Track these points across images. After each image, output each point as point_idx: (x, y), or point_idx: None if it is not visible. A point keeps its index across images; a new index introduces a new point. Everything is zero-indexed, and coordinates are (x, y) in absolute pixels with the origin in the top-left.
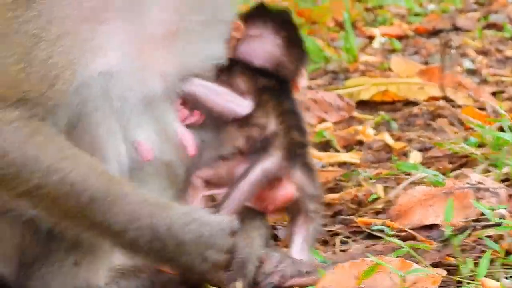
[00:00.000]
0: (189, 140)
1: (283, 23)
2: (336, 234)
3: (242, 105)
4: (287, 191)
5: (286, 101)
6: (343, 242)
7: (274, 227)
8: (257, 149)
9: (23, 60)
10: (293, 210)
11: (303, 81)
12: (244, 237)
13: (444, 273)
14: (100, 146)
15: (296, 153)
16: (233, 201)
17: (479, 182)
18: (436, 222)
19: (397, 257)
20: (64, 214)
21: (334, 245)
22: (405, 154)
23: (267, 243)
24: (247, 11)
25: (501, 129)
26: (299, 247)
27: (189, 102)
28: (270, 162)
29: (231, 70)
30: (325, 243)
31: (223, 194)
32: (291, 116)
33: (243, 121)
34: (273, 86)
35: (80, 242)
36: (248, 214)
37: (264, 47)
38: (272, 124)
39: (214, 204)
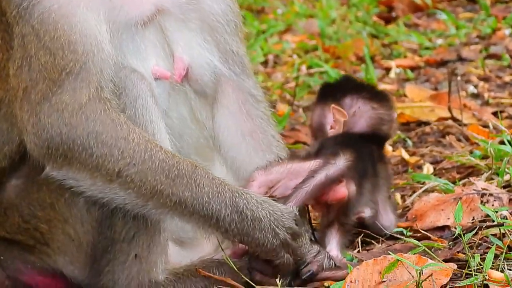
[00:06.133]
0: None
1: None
2: (361, 236)
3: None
4: (343, 190)
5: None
6: (367, 243)
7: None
8: (325, 154)
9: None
10: (332, 214)
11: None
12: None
13: (455, 267)
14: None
15: (360, 167)
16: (297, 198)
17: (484, 189)
18: (447, 224)
19: (414, 254)
20: (153, 192)
21: (359, 245)
22: (419, 167)
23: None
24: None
25: (502, 142)
26: (333, 247)
27: None
28: (334, 169)
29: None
30: (351, 243)
31: (289, 193)
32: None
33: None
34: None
35: (140, 235)
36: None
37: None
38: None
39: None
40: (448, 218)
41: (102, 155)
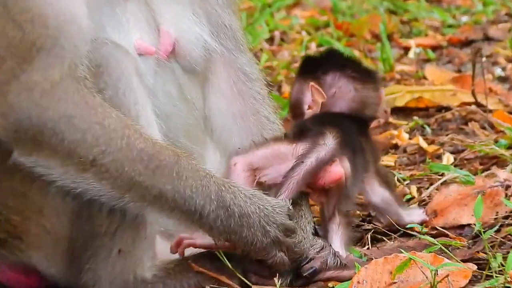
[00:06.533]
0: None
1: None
2: (371, 231)
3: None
4: (338, 170)
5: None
6: (377, 240)
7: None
8: (311, 134)
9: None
10: (332, 202)
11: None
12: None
13: (475, 267)
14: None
15: (349, 144)
16: (289, 190)
17: (506, 180)
18: (470, 222)
19: (429, 253)
20: (131, 184)
21: (368, 242)
22: (438, 157)
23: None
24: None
25: None
26: (337, 243)
27: None
28: (325, 151)
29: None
30: (360, 240)
31: (279, 182)
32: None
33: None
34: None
35: (123, 229)
36: (297, 202)
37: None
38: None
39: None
40: (472, 215)
41: (74, 141)
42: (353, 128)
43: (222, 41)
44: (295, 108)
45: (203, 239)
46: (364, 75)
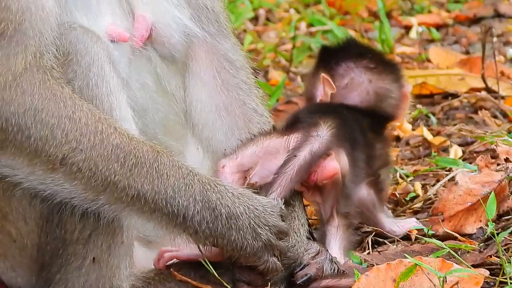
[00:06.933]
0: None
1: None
2: (372, 234)
3: None
4: (333, 165)
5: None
6: (378, 243)
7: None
8: (303, 126)
9: None
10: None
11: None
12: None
13: (487, 273)
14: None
15: (347, 136)
16: (281, 187)
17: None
18: (480, 226)
19: (436, 257)
20: (105, 184)
21: (369, 246)
22: (445, 150)
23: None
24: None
25: None
26: (335, 247)
27: None
28: (319, 143)
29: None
30: (359, 244)
31: (272, 178)
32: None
33: None
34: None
35: (97, 234)
36: (290, 202)
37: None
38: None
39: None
40: (481, 221)
41: (42, 137)
42: (358, 121)
43: (204, 25)
44: (309, 102)
45: (188, 250)
46: (380, 66)
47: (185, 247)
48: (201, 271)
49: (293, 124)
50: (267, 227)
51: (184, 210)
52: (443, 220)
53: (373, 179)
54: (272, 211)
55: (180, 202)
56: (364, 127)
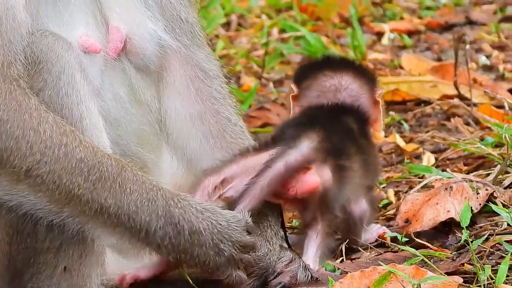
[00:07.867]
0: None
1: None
2: (345, 242)
3: None
4: (312, 179)
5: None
6: (352, 251)
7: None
8: (285, 139)
9: None
10: (311, 211)
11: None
12: (259, 234)
13: (461, 280)
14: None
15: (334, 148)
16: (250, 197)
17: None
18: (451, 216)
19: (410, 265)
20: (69, 197)
21: (343, 253)
22: (418, 157)
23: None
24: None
25: None
26: (311, 254)
27: None
28: (295, 155)
29: None
30: (333, 251)
31: (242, 189)
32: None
33: None
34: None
35: (68, 243)
36: (263, 211)
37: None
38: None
39: (225, 198)
40: (449, 211)
41: (7, 148)
42: (344, 124)
43: (178, 36)
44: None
45: (147, 270)
46: (333, 63)
47: (142, 267)
48: (176, 283)
49: (276, 138)
50: (229, 243)
51: (147, 225)
52: (410, 224)
53: (371, 197)
54: (236, 226)
55: (143, 217)
56: (356, 135)
